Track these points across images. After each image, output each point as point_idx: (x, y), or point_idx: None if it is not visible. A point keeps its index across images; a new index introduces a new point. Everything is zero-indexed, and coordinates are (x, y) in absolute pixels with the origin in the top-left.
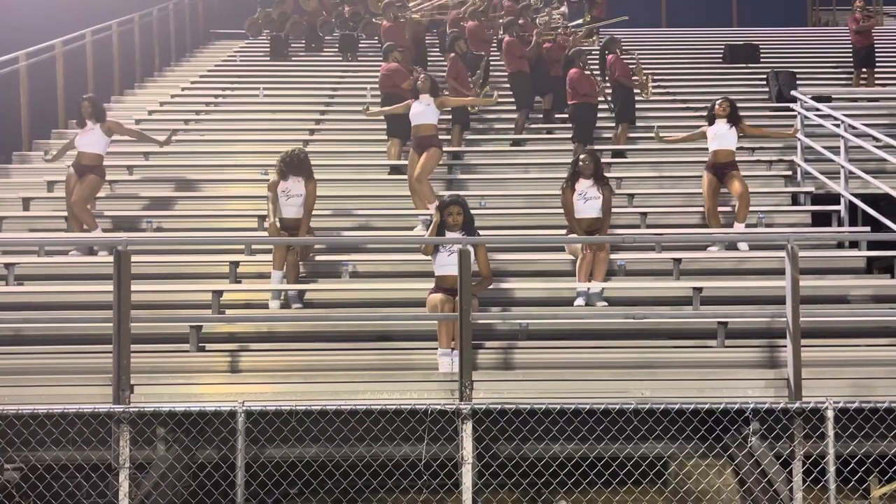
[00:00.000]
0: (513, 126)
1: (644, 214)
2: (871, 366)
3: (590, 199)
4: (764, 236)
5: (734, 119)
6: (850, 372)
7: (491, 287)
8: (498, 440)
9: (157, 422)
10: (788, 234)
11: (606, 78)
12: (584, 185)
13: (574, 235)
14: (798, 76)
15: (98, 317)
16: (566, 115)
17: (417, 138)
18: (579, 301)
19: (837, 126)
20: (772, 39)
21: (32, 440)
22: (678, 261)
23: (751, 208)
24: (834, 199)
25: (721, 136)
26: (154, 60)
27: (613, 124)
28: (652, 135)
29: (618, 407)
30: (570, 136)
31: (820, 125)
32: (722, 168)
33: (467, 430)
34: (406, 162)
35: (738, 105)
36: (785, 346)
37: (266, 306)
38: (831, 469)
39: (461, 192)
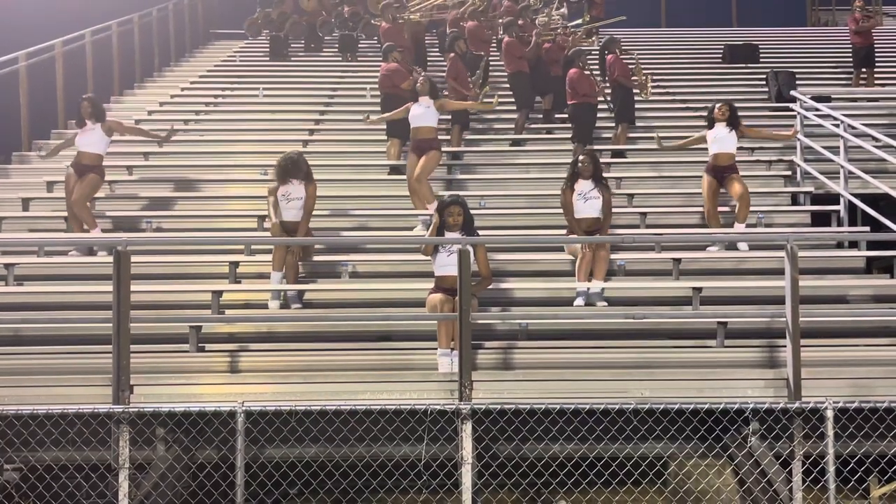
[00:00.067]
0: (513, 126)
1: (644, 214)
2: (870, 366)
3: (589, 199)
4: (763, 236)
5: (734, 122)
6: (849, 372)
7: (491, 287)
8: (498, 440)
9: (156, 422)
10: (788, 234)
11: (606, 78)
12: (584, 186)
13: (574, 235)
14: (797, 76)
15: (98, 317)
16: (566, 115)
17: (416, 140)
18: (579, 301)
19: (837, 126)
20: (771, 39)
21: (32, 440)
22: (678, 261)
23: (751, 208)
24: (833, 199)
25: (721, 140)
26: (154, 61)
27: (613, 124)
28: (652, 135)
29: (618, 407)
30: (569, 136)
31: (819, 125)
32: (722, 171)
33: (467, 430)
34: (406, 162)
35: (738, 105)
36: (784, 346)
37: (266, 306)
38: (831, 469)
39: (461, 193)
